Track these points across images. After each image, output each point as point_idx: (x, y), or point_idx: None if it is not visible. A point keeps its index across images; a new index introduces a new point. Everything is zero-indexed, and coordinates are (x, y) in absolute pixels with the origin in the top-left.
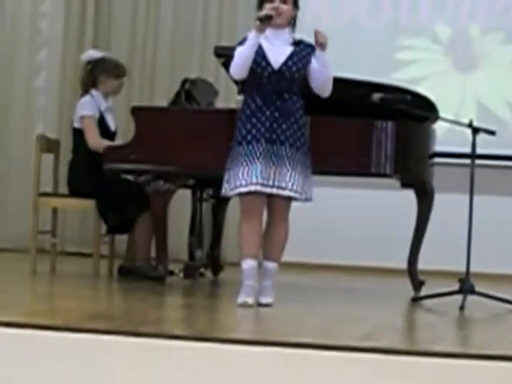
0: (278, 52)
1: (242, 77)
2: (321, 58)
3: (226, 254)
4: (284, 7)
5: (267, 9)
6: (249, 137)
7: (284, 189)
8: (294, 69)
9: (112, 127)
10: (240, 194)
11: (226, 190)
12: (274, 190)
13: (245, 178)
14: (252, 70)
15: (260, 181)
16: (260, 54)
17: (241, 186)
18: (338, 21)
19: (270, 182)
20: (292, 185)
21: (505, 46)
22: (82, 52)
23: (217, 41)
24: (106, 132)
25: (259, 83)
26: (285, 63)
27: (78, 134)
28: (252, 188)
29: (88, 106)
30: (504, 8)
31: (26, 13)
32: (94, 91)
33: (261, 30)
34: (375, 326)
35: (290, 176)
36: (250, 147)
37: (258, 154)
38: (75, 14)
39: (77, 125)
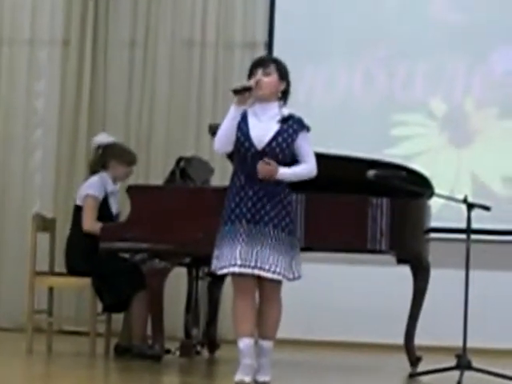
0: (263, 131)
1: (226, 150)
2: (282, 178)
3: (222, 332)
4: (266, 79)
5: (246, 81)
6: (232, 216)
7: (267, 271)
8: (277, 150)
9: (114, 210)
10: (225, 274)
11: (215, 266)
12: (256, 271)
13: (228, 258)
14: (237, 149)
15: (239, 262)
16: (244, 132)
17: (224, 267)
18: (332, 96)
19: (252, 263)
20: (276, 266)
21: (499, 121)
22: (78, 132)
23: (212, 119)
24: (107, 214)
25: (244, 162)
26: (268, 144)
27: (79, 212)
28: (232, 269)
29: (95, 186)
30: (498, 83)
31: (21, 92)
32: (103, 172)
33: (240, 103)
34: None
35: (274, 258)
36: (233, 227)
37: (239, 235)
38: (70, 93)
39: (79, 202)
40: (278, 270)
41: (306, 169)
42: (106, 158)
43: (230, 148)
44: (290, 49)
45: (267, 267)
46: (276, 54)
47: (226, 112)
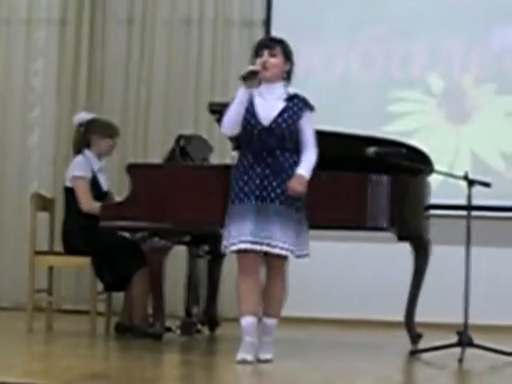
0: (269, 108)
1: (233, 133)
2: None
3: (222, 310)
4: (273, 60)
5: (251, 65)
6: (241, 194)
7: (274, 247)
8: (283, 125)
9: (104, 187)
10: (234, 252)
11: (225, 247)
12: (264, 248)
13: (236, 236)
14: (243, 127)
15: (249, 239)
16: (250, 110)
17: (233, 244)
18: (330, 74)
19: (259, 240)
20: (284, 243)
21: (497, 97)
22: (76, 110)
23: (210, 97)
24: (97, 192)
25: (250, 140)
26: (275, 120)
27: (70, 193)
28: (242, 246)
29: (80, 167)
30: (496, 59)
31: (18, 72)
32: (87, 152)
33: (248, 86)
34: (375, 380)
35: (281, 234)
36: (242, 205)
37: (249, 212)
38: (68, 71)
39: (68, 184)
40: (285, 246)
41: (312, 159)
42: (87, 134)
43: (236, 131)
44: (288, 27)
45: (274, 243)
46: (274, 31)
47: (224, 89)
